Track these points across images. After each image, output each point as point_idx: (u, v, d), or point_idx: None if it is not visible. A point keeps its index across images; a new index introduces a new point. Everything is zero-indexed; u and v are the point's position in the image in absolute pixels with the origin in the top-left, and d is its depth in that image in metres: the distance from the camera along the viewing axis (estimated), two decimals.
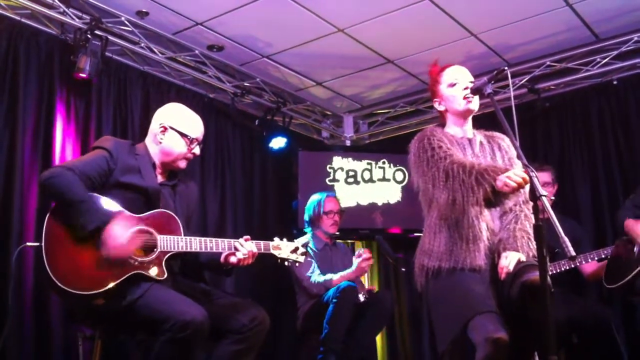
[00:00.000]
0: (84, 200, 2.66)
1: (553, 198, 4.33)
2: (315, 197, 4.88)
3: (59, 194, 2.69)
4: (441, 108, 2.95)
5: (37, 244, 2.67)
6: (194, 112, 3.14)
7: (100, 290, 2.62)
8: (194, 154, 3.06)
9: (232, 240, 2.96)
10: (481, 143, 2.90)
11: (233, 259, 2.95)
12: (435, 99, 2.98)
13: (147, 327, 2.70)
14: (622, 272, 3.79)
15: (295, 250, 3.13)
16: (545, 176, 4.37)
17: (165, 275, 2.78)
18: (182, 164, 3.05)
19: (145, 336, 2.83)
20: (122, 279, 2.67)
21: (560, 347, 4.15)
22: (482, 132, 2.97)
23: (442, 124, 2.98)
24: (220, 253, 2.98)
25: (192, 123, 3.07)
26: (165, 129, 3.01)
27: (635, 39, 4.94)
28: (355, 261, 4.51)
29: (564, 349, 4.24)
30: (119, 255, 2.67)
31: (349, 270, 4.49)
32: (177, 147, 3.01)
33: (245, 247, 2.94)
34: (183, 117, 3.07)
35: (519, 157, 2.48)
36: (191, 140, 3.03)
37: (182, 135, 3.01)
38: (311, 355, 4.33)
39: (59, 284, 2.57)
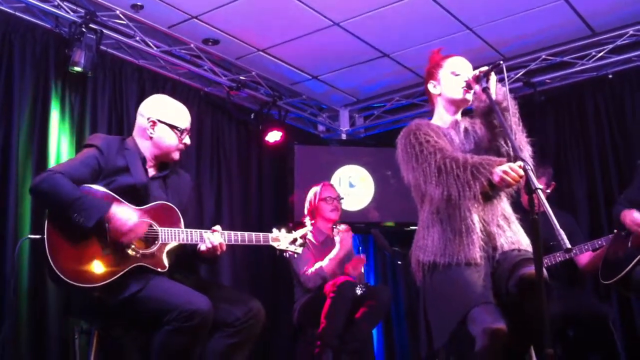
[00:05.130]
0: (77, 197, 2.65)
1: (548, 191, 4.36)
2: (312, 188, 4.87)
3: (50, 199, 2.67)
4: (435, 91, 2.93)
5: (39, 236, 2.67)
6: (178, 102, 3.15)
7: (102, 283, 2.64)
8: (185, 144, 3.07)
9: (232, 233, 2.99)
10: (466, 129, 2.89)
11: (203, 248, 2.96)
12: (431, 81, 2.94)
13: (149, 319, 2.70)
14: (617, 268, 3.80)
15: (293, 241, 3.15)
16: (540, 182, 4.34)
17: (167, 268, 2.80)
18: (176, 156, 3.07)
19: (144, 329, 2.83)
20: (124, 271, 2.69)
21: (555, 340, 4.17)
22: (466, 119, 2.95)
23: (432, 110, 2.96)
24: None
25: (180, 114, 3.09)
26: (155, 123, 3.01)
27: (631, 32, 4.95)
28: (336, 239, 4.51)
29: (560, 343, 4.26)
30: (132, 239, 2.71)
31: (334, 251, 4.47)
32: (169, 139, 3.02)
33: (212, 238, 2.93)
34: (170, 108, 3.08)
35: (514, 151, 2.47)
36: (181, 132, 3.05)
37: (172, 127, 3.03)
38: (307, 349, 4.33)
39: (62, 277, 2.58)
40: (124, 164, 2.90)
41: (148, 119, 3.02)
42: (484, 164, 2.51)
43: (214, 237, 2.94)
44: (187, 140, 3.08)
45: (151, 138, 3.01)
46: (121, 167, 2.89)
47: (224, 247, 2.97)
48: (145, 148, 3.02)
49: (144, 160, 2.99)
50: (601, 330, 4.02)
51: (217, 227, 2.99)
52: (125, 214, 2.69)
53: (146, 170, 2.98)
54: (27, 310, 3.85)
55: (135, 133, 3.08)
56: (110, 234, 2.69)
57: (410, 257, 2.84)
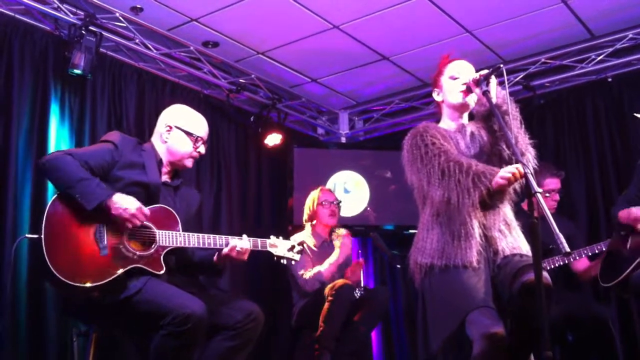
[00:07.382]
0: (83, 178, 2.68)
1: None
2: (310, 193, 4.87)
3: (56, 174, 2.71)
4: (439, 98, 2.95)
5: (36, 235, 2.66)
6: (198, 113, 3.20)
7: (99, 283, 2.63)
8: (199, 152, 3.12)
9: (229, 237, 2.99)
10: (472, 133, 2.89)
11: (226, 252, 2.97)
12: (435, 89, 2.97)
13: (145, 322, 2.70)
14: (616, 270, 3.80)
15: (291, 248, 3.15)
16: (557, 182, 4.38)
17: (164, 270, 2.80)
18: (189, 163, 3.11)
19: (141, 332, 2.83)
20: (121, 272, 2.68)
21: (554, 343, 4.16)
22: (473, 123, 2.96)
23: (438, 118, 2.98)
24: (213, 254, 3.01)
25: (197, 122, 3.14)
26: (171, 128, 3.07)
27: (630, 36, 4.95)
28: (336, 243, 4.51)
29: (558, 346, 4.26)
30: (140, 221, 2.73)
31: (334, 256, 4.48)
32: (183, 146, 3.06)
33: (241, 243, 2.96)
34: (188, 116, 3.14)
35: (515, 155, 2.47)
36: (196, 139, 3.09)
37: (187, 134, 3.07)
38: (306, 353, 4.33)
39: (59, 276, 2.57)
40: (140, 161, 2.94)
41: (165, 124, 3.08)
42: (486, 173, 2.51)
43: (244, 242, 2.98)
44: (202, 149, 3.12)
45: (166, 142, 3.05)
46: (137, 162, 2.92)
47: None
48: (162, 153, 3.07)
49: (160, 162, 3.03)
50: (601, 332, 4.02)
51: (244, 236, 3.03)
52: (125, 202, 2.71)
53: (160, 174, 3.01)
54: (25, 311, 3.84)
55: (154, 138, 3.13)
56: (109, 220, 2.70)
57: (409, 259, 2.85)
